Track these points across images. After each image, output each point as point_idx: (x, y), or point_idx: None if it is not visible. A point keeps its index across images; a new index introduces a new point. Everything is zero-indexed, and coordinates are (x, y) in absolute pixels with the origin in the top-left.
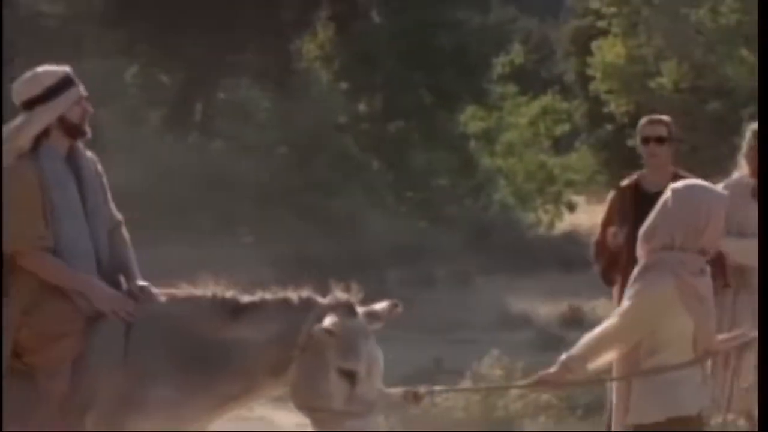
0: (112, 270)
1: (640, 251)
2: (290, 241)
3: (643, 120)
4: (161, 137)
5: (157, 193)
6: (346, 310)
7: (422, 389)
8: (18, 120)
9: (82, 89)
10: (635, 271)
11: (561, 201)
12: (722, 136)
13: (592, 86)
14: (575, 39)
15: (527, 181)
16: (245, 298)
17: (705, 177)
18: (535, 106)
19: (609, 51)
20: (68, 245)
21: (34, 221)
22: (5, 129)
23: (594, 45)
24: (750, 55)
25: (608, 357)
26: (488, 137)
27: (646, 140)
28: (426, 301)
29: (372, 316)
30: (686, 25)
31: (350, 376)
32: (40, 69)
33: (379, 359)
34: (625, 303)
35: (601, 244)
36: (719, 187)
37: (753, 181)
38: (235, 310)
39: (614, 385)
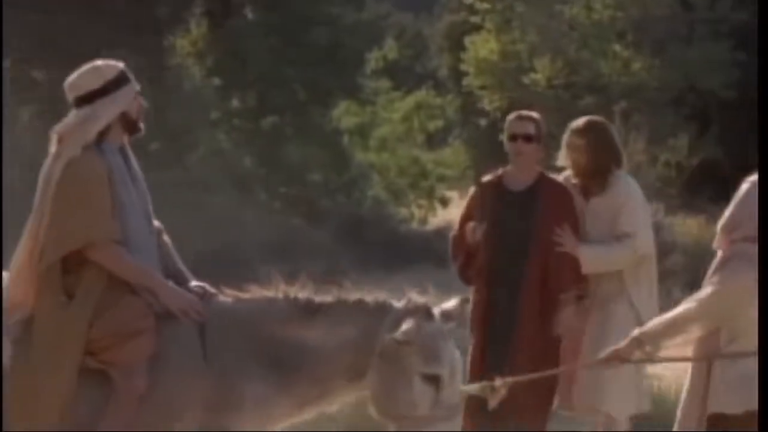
0: (163, 271)
1: (720, 242)
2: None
3: (512, 116)
4: (33, 134)
5: (30, 192)
6: (423, 313)
7: (498, 382)
8: (79, 113)
9: (135, 84)
10: (715, 261)
11: (434, 196)
12: None
13: (466, 82)
14: (449, 34)
15: (400, 176)
16: (320, 299)
17: None
18: (409, 102)
19: (482, 47)
20: (133, 242)
21: (106, 214)
22: (64, 123)
23: (468, 40)
24: (623, 51)
25: (679, 339)
26: (361, 132)
27: (513, 137)
28: None
29: (446, 316)
30: (560, 21)
31: (434, 381)
32: (99, 62)
33: (459, 360)
34: (707, 290)
35: (459, 240)
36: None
37: (573, 179)
38: (310, 311)
39: (690, 371)
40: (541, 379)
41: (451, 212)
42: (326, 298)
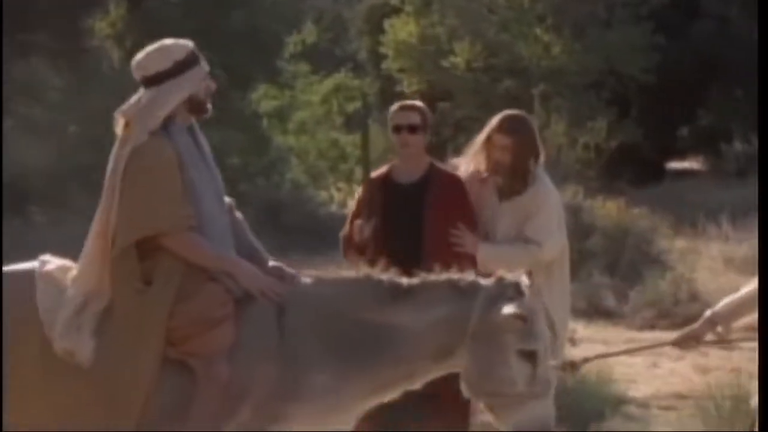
0: (237, 249)
1: None
2: (83, 221)
3: (395, 106)
4: None
5: None
6: (513, 290)
7: (578, 359)
8: (146, 95)
9: (205, 65)
10: None
11: (353, 179)
12: None
13: (385, 65)
14: (369, 17)
15: (319, 159)
16: (405, 281)
17: None
18: (328, 84)
19: (402, 29)
20: (207, 226)
21: (179, 200)
22: (129, 105)
23: (387, 23)
24: (543, 34)
25: (749, 319)
26: (280, 116)
27: (397, 128)
28: None
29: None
30: (479, 4)
31: (531, 357)
32: (168, 42)
33: (548, 336)
34: None
35: (350, 239)
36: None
37: (493, 178)
38: (395, 293)
39: None
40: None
41: None
42: (412, 280)
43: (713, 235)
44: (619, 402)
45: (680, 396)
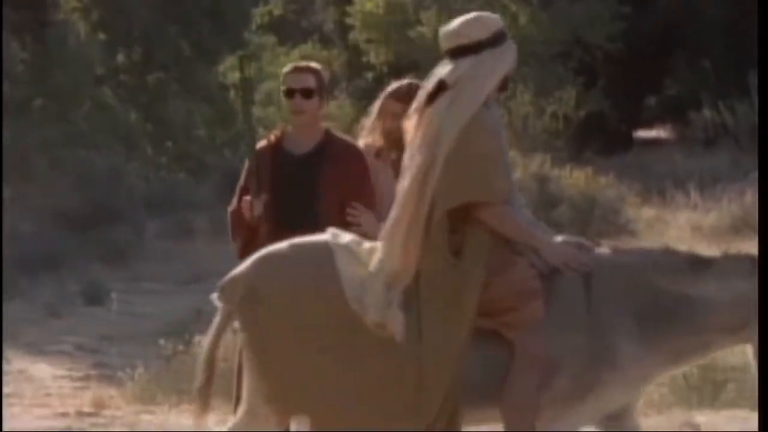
0: None
1: None
2: (49, 195)
3: (287, 68)
4: None
5: None
6: None
7: None
8: (463, 64)
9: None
10: None
11: None
12: None
13: (352, 36)
14: None
15: None
16: (703, 253)
17: None
18: (294, 55)
19: (368, 0)
20: (511, 199)
21: (499, 172)
22: (451, 71)
23: None
24: (510, 4)
25: None
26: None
27: (290, 92)
28: (185, 252)
29: None
30: None
31: None
32: (481, 13)
33: None
34: None
35: (238, 215)
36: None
37: (388, 152)
38: (695, 265)
39: None
40: None
41: None
42: (710, 253)
43: (681, 204)
44: None
45: None
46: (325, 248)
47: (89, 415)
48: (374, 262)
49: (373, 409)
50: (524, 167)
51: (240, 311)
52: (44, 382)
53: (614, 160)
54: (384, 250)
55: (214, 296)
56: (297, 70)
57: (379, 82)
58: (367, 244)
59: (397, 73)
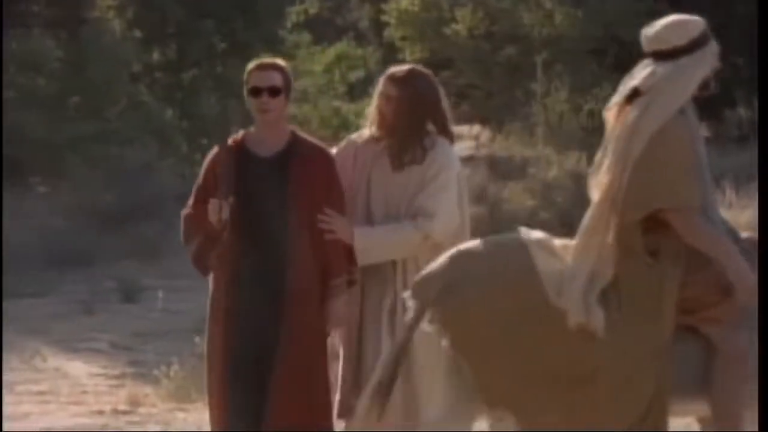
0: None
1: None
2: (83, 191)
3: (252, 65)
4: None
5: None
6: None
7: None
8: (660, 69)
9: (715, 43)
10: None
11: None
12: (516, 82)
13: (387, 33)
14: None
15: (322, 127)
16: None
17: (499, 123)
18: (330, 54)
19: None
20: (708, 207)
21: (692, 179)
22: (647, 77)
23: None
24: (545, 1)
25: None
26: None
27: (255, 91)
28: None
29: None
30: None
31: None
32: (684, 17)
33: None
34: None
35: (195, 219)
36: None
37: (385, 141)
38: None
39: None
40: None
41: None
42: None
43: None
44: None
45: None
46: (520, 243)
47: (125, 413)
48: (571, 261)
49: (575, 403)
50: (560, 165)
51: (437, 306)
52: (80, 379)
53: None
54: (579, 248)
55: (407, 294)
56: (262, 67)
57: None
58: (557, 241)
59: (431, 70)
